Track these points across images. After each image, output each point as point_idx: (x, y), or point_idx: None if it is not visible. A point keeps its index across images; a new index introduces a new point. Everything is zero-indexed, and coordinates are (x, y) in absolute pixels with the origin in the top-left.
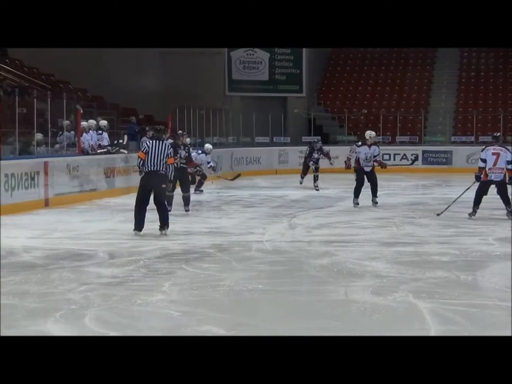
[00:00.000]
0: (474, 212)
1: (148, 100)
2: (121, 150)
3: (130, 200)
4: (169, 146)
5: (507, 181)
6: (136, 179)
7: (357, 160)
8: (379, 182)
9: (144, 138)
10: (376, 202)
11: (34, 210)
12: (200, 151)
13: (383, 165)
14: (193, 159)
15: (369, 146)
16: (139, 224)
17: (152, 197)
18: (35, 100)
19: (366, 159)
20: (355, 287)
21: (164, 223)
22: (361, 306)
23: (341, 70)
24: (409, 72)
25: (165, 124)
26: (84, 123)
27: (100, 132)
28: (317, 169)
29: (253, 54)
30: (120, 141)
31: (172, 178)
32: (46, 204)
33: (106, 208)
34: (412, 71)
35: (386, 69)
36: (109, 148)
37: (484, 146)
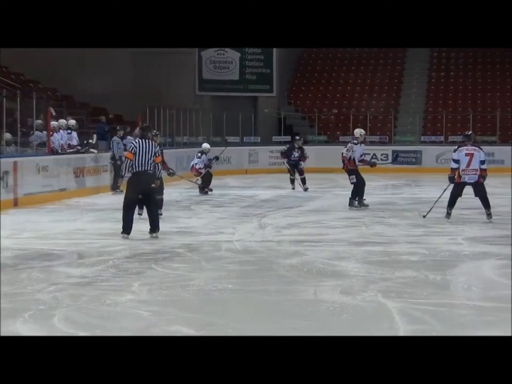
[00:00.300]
0: (448, 214)
1: (118, 99)
2: (90, 150)
3: (100, 200)
4: (156, 145)
5: (482, 182)
6: (105, 179)
7: (352, 160)
8: (348, 182)
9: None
10: (367, 205)
11: (3, 210)
12: (199, 154)
13: (372, 164)
14: (195, 164)
15: (360, 144)
16: (128, 226)
17: (147, 198)
18: (4, 99)
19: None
20: (324, 286)
21: (155, 226)
22: (330, 306)
23: (311, 70)
24: (379, 72)
25: (135, 124)
26: (54, 123)
27: (69, 131)
28: (301, 172)
29: (223, 54)
30: (90, 141)
31: (160, 177)
32: (15, 203)
33: (75, 208)
34: (382, 71)
35: (356, 69)
36: (79, 147)
37: (457, 147)
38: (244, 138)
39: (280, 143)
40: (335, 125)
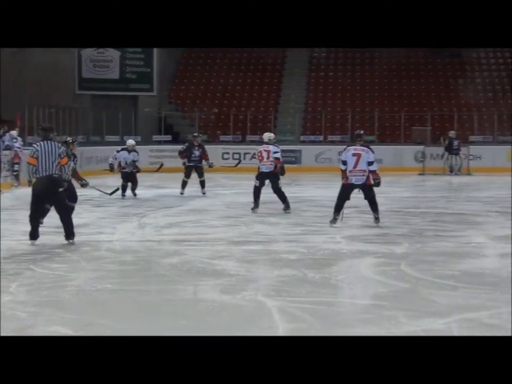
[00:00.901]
0: (335, 219)
1: None
2: None
3: None
4: (59, 145)
5: (372, 183)
6: None
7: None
8: (229, 182)
9: None
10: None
11: None
12: (120, 149)
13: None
14: (116, 158)
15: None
16: (35, 233)
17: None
18: None
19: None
20: (204, 286)
21: (70, 232)
22: (209, 305)
23: (192, 69)
24: (260, 72)
25: (13, 122)
26: None
27: None
28: (201, 173)
29: (103, 53)
30: None
31: (69, 179)
32: None
33: None
34: (262, 70)
35: (237, 69)
36: None
37: (346, 146)
38: (124, 137)
39: (160, 143)
40: (215, 125)
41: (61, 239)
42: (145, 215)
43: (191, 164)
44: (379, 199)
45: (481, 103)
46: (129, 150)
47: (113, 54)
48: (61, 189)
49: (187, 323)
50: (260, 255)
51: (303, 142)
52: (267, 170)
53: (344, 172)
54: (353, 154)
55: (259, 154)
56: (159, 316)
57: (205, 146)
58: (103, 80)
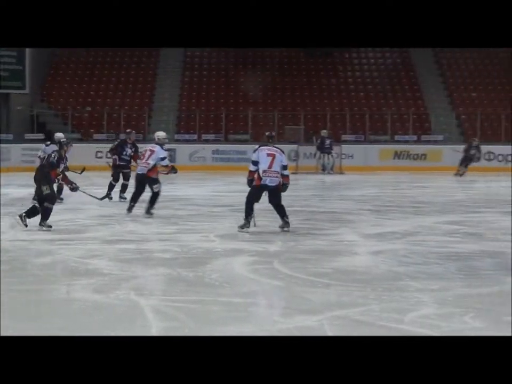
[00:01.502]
0: (247, 223)
1: None
2: None
3: None
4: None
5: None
6: None
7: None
8: (103, 181)
9: None
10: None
11: None
12: (49, 142)
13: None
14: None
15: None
16: None
17: None
18: None
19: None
20: (77, 285)
21: None
22: (82, 305)
23: (65, 67)
24: (133, 71)
25: None
26: None
27: None
28: (127, 177)
29: None
30: None
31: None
32: None
33: None
34: (136, 69)
35: (110, 67)
36: None
37: (257, 146)
38: None
39: (32, 141)
40: (88, 123)
41: None
42: (17, 214)
43: (122, 163)
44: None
45: (354, 102)
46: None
47: None
48: None
49: (61, 323)
50: (133, 254)
51: (177, 141)
52: (140, 172)
53: (253, 172)
54: (268, 155)
55: (143, 152)
56: (32, 316)
57: (78, 144)
58: None
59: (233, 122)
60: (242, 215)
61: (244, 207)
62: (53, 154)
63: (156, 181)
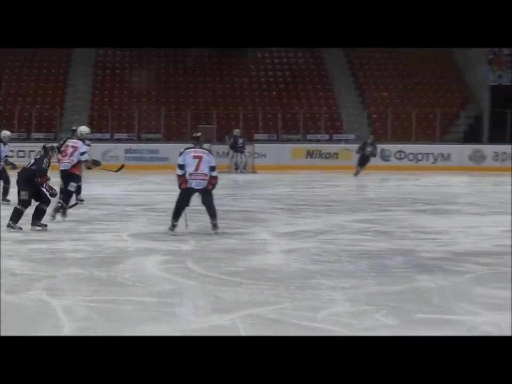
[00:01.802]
0: (173, 226)
1: None
2: None
3: None
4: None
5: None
6: None
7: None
8: (13, 180)
9: None
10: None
11: None
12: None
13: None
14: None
15: (83, 141)
16: None
17: None
18: None
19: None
20: None
21: None
22: None
23: None
24: (45, 69)
25: None
26: None
27: None
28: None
29: None
30: None
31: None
32: None
33: None
34: (48, 67)
35: (21, 65)
36: None
37: (183, 150)
38: None
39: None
40: None
41: None
42: None
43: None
44: (163, 197)
45: (266, 101)
46: (5, 142)
47: None
48: None
49: None
50: (45, 254)
51: (90, 140)
52: (64, 168)
53: (180, 176)
54: (194, 157)
55: (65, 149)
56: None
57: None
58: None
59: (145, 121)
60: (154, 214)
61: (156, 206)
62: (44, 161)
63: (75, 179)
